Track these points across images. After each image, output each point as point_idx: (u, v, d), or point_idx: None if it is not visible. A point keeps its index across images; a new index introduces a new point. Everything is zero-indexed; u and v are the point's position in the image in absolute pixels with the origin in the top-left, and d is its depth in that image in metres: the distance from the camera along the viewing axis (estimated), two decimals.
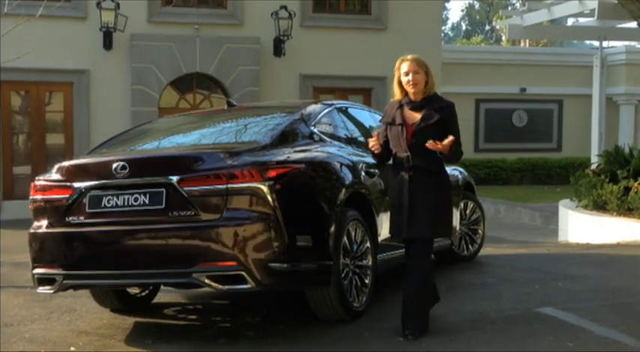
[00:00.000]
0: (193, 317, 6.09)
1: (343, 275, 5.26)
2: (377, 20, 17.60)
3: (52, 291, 5.29)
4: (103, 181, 5.10)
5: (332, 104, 6.41)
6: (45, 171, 5.92)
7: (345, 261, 5.31)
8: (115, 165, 5.03)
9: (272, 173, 4.87)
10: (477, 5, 57.28)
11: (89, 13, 15.69)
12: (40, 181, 5.44)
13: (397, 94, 5.09)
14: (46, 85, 15.97)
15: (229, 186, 4.80)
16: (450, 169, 7.32)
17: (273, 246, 4.81)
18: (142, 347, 5.07)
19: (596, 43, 17.91)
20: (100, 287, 5.77)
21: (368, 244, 5.57)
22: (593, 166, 12.56)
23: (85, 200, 5.13)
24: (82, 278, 5.20)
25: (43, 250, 5.30)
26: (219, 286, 4.82)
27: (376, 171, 5.82)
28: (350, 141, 6.20)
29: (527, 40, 32.54)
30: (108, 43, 15.64)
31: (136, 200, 4.98)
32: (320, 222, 5.10)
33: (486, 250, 8.49)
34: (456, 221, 7.42)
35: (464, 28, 58.50)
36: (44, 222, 5.31)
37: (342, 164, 5.52)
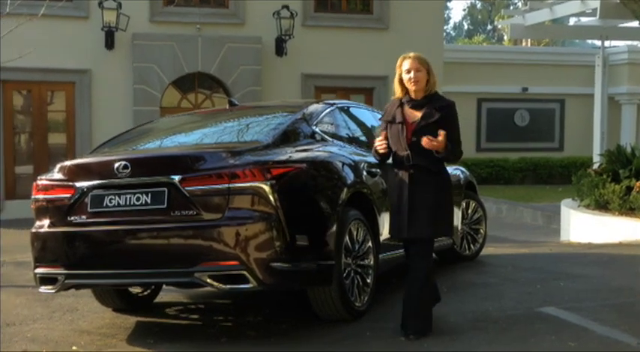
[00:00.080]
0: (195, 316, 6.10)
1: (345, 274, 5.26)
2: (379, 20, 17.60)
3: (54, 291, 5.30)
4: (105, 181, 5.10)
5: (334, 103, 6.41)
6: (47, 170, 5.92)
7: (347, 261, 5.31)
8: (117, 165, 5.03)
9: (274, 172, 4.87)
10: (478, 5, 57.25)
11: (91, 12, 15.70)
12: (42, 181, 5.44)
13: (398, 92, 5.06)
14: (48, 85, 15.98)
15: (231, 185, 4.80)
16: (451, 169, 7.33)
17: (275, 245, 4.81)
18: (143, 346, 5.07)
19: (598, 43, 17.90)
20: (102, 287, 5.78)
21: (370, 244, 5.56)
22: (595, 166, 12.55)
23: (87, 199, 5.13)
24: (84, 278, 5.20)
25: (45, 250, 5.30)
26: (221, 286, 4.82)
27: (378, 170, 5.81)
28: (352, 140, 6.20)
29: (529, 40, 32.52)
30: (110, 43, 15.64)
31: (138, 199, 4.98)
32: (322, 221, 5.10)
33: (488, 250, 8.49)
34: (457, 220, 7.42)
35: (466, 27, 58.47)
36: (46, 222, 5.31)
37: (343, 163, 5.52)
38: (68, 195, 5.20)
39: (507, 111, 22.43)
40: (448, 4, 56.13)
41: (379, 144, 5.01)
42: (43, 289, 5.34)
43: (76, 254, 5.16)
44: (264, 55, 16.55)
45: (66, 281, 5.16)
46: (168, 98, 16.44)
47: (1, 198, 15.49)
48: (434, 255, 7.13)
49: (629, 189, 10.59)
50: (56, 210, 5.26)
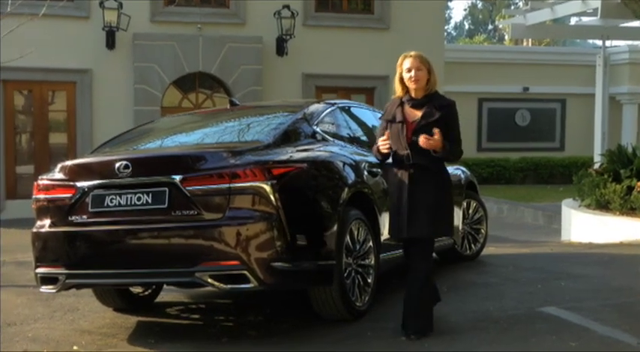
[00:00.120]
0: (196, 316, 6.10)
1: (346, 274, 5.26)
2: (380, 19, 17.60)
3: (54, 290, 5.30)
4: (105, 180, 5.10)
5: (334, 103, 6.41)
6: (48, 170, 5.93)
7: (348, 261, 5.31)
8: (117, 165, 5.03)
9: (275, 172, 4.87)
10: (479, 4, 57.23)
11: (92, 12, 15.71)
12: (43, 180, 5.44)
13: (398, 91, 5.05)
14: (49, 85, 15.98)
15: (232, 185, 4.80)
16: (452, 168, 7.33)
17: (276, 245, 4.81)
18: (144, 346, 5.07)
19: (599, 43, 17.87)
20: (103, 287, 5.78)
21: (370, 243, 5.56)
22: (596, 166, 12.54)
23: (88, 199, 5.13)
24: (85, 278, 5.21)
25: (45, 249, 5.31)
26: (222, 285, 4.82)
27: (379, 170, 5.81)
28: (352, 140, 6.20)
29: (530, 40, 32.50)
30: (111, 43, 15.65)
31: (138, 199, 4.99)
32: (323, 221, 5.10)
33: (489, 249, 8.49)
34: (458, 220, 7.42)
35: (467, 27, 58.44)
36: (47, 222, 5.31)
37: (344, 163, 5.52)
38: (69, 195, 5.20)
39: (508, 111, 22.43)
40: (449, 3, 56.11)
41: (382, 143, 4.97)
42: (44, 289, 5.35)
43: (76, 254, 5.17)
44: (264, 55, 16.55)
45: (67, 281, 5.16)
46: (169, 98, 16.44)
47: (2, 197, 15.49)
48: (435, 254, 7.15)
49: (630, 188, 10.59)
50: (57, 210, 5.26)
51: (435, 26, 18.07)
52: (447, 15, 54.79)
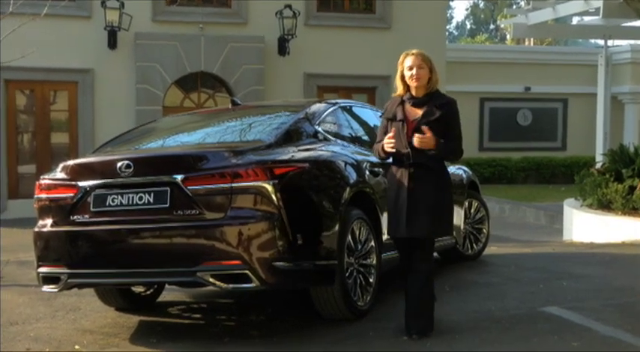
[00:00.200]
0: (198, 315, 6.10)
1: (347, 274, 5.26)
2: (381, 19, 17.59)
3: (56, 290, 5.30)
4: (107, 180, 5.11)
5: (336, 103, 6.42)
6: (50, 170, 5.93)
7: (350, 260, 5.31)
8: (119, 164, 5.04)
9: (276, 172, 4.87)
10: (481, 4, 57.21)
11: (94, 12, 15.70)
12: (45, 180, 5.45)
13: (399, 89, 5.03)
14: (50, 84, 15.98)
15: (234, 185, 4.80)
16: (454, 168, 7.33)
17: (278, 244, 4.81)
18: (146, 345, 5.08)
19: (601, 42, 17.84)
20: (105, 286, 5.78)
21: (372, 243, 5.56)
22: (598, 165, 12.54)
23: (90, 199, 5.13)
24: (87, 277, 5.21)
25: (47, 249, 5.31)
26: (224, 285, 4.82)
27: (380, 169, 5.81)
28: (354, 139, 6.20)
29: (532, 39, 32.48)
30: (112, 42, 15.65)
31: (140, 199, 4.99)
32: (324, 221, 5.09)
33: (491, 249, 8.49)
34: (460, 220, 7.42)
35: (468, 26, 58.42)
36: (49, 221, 5.32)
37: (346, 163, 5.52)
38: (71, 195, 5.20)
39: (510, 111, 22.41)
40: (451, 3, 56.03)
41: (388, 141, 4.91)
42: (46, 288, 5.35)
43: (78, 253, 5.17)
44: (266, 55, 16.54)
45: (69, 281, 5.16)
46: (171, 98, 16.44)
47: (4, 197, 15.50)
48: (436, 254, 7.16)
49: (632, 188, 10.59)
50: (59, 210, 5.27)
51: (437, 26, 18.05)
52: (448, 14, 54.72)
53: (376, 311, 5.55)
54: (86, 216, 5.14)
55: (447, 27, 43.09)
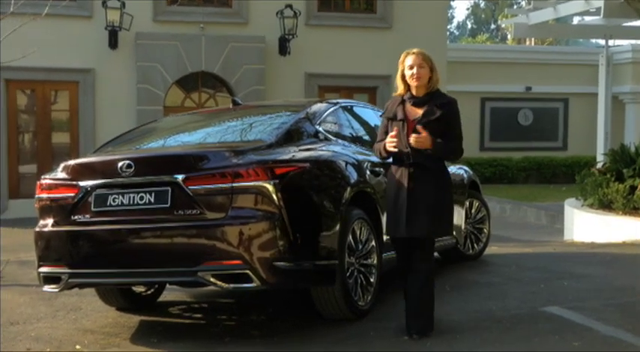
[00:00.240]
0: (198, 315, 6.10)
1: (348, 274, 5.26)
2: (382, 19, 17.59)
3: (57, 290, 5.30)
4: (108, 180, 5.11)
5: (337, 103, 6.41)
6: (51, 169, 5.93)
7: (350, 260, 5.31)
8: (120, 164, 5.04)
9: (277, 172, 4.87)
10: (482, 4, 57.20)
11: (95, 12, 15.71)
12: (46, 180, 5.45)
13: (400, 88, 5.02)
14: (51, 84, 15.99)
15: (234, 184, 4.80)
16: (455, 168, 7.34)
17: (279, 244, 4.81)
18: (147, 345, 5.08)
19: (602, 42, 17.82)
20: (106, 286, 5.78)
21: (373, 243, 5.56)
22: (599, 165, 12.53)
23: (91, 199, 5.13)
24: (88, 277, 5.21)
25: (48, 249, 5.31)
26: (225, 285, 4.82)
27: (381, 169, 5.81)
28: (355, 139, 6.20)
29: (533, 39, 32.47)
30: (113, 42, 15.66)
31: (141, 199, 4.99)
32: (325, 220, 5.09)
33: (492, 249, 8.48)
34: (461, 220, 7.41)
35: (469, 26, 58.42)
36: (50, 221, 5.32)
37: (347, 163, 5.52)
38: (72, 195, 5.20)
39: (511, 111, 22.41)
40: (452, 3, 56.04)
41: (390, 140, 4.89)
42: (47, 288, 5.35)
43: (79, 253, 5.17)
44: (267, 55, 16.54)
45: (69, 280, 5.16)
46: (172, 97, 16.45)
47: (4, 197, 15.51)
48: (437, 254, 7.15)
49: (633, 188, 10.58)
50: (60, 209, 5.27)
51: (438, 25, 18.05)
52: (449, 14, 54.65)
53: (377, 311, 5.55)
54: (87, 215, 5.14)
55: (448, 27, 43.07)
